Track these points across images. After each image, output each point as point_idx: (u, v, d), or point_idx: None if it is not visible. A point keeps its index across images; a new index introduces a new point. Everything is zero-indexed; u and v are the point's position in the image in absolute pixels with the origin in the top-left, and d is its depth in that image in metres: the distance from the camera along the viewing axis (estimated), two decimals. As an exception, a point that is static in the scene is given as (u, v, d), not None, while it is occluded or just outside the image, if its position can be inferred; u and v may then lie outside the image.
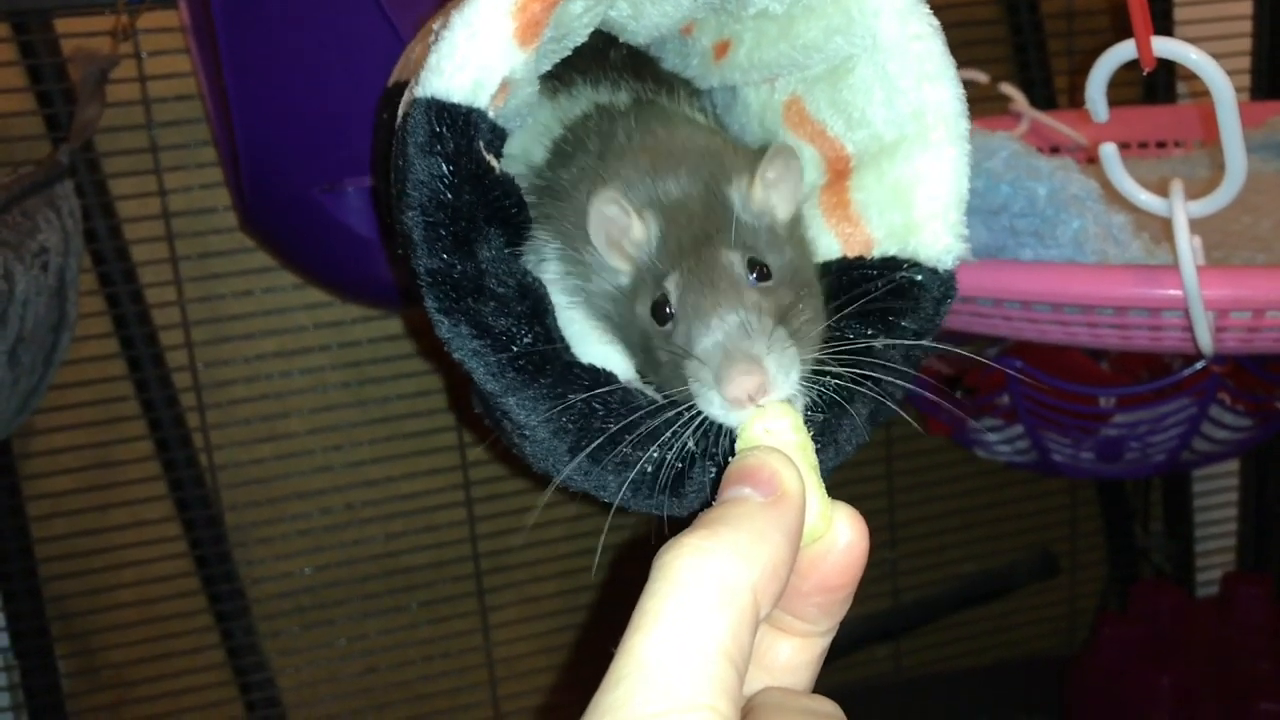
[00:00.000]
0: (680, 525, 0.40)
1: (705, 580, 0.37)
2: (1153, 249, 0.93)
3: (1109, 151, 0.85)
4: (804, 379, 0.53)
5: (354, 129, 0.99)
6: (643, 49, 0.73)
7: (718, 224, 0.59)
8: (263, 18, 1.03)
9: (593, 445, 0.58)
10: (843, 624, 0.46)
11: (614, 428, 0.59)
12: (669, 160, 0.62)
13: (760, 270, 0.58)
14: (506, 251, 0.59)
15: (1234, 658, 1.56)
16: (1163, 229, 0.87)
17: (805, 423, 0.50)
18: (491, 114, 0.57)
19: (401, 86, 0.73)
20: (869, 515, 0.46)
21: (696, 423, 0.55)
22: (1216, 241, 1.11)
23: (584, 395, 0.58)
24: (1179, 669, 1.56)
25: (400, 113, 0.58)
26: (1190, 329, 0.86)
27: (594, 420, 0.58)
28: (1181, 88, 1.66)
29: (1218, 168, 0.82)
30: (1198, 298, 0.82)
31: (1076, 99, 1.60)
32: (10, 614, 1.39)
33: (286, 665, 1.52)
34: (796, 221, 0.64)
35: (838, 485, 0.47)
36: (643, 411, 0.59)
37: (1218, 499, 1.85)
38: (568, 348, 0.61)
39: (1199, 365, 1.15)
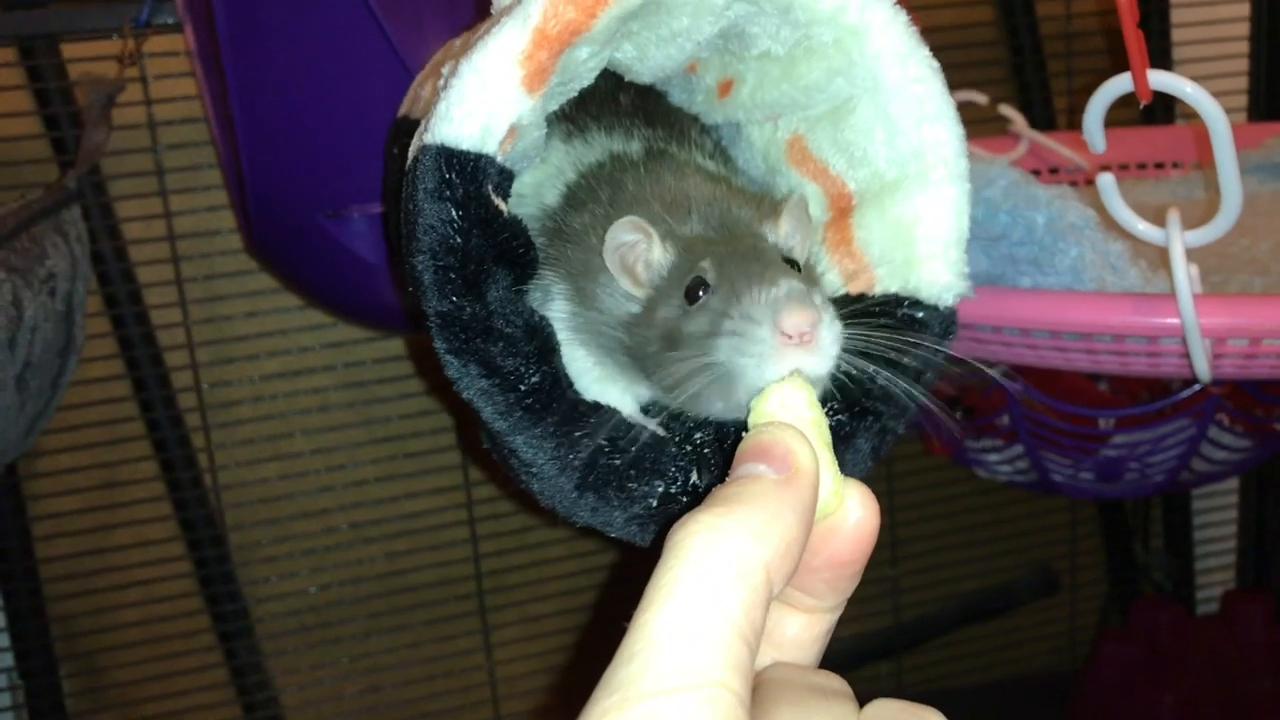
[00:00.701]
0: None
1: (719, 558, 0.36)
2: (1150, 276, 0.94)
3: (1106, 182, 0.86)
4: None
5: (359, 156, 1.00)
6: (650, 86, 0.74)
7: (745, 234, 0.60)
8: (269, 45, 1.04)
9: (598, 481, 0.59)
10: (845, 641, 0.46)
11: (619, 463, 0.59)
12: (679, 206, 0.63)
13: (794, 266, 0.59)
14: (514, 291, 0.60)
15: (1234, 675, 1.57)
16: (1160, 255, 0.88)
17: None
18: (500, 158, 0.58)
19: (410, 120, 0.74)
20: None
21: (700, 455, 0.56)
22: (1214, 265, 1.12)
23: (589, 432, 0.59)
24: (1179, 686, 1.56)
25: (410, 157, 0.59)
26: (1188, 355, 0.87)
27: (599, 457, 0.59)
28: (1180, 107, 1.68)
29: (1215, 190, 0.83)
30: (1194, 326, 0.83)
31: (1076, 120, 1.61)
32: (15, 633, 1.39)
33: (290, 684, 1.53)
34: (811, 266, 0.65)
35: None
36: (647, 447, 0.60)
37: (1218, 517, 1.86)
38: (573, 385, 0.62)
39: (1197, 387, 1.15)
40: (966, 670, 1.81)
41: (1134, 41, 0.80)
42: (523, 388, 0.58)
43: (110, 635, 1.44)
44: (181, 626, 1.46)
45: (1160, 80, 0.81)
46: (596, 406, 0.61)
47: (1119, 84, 0.82)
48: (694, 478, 0.59)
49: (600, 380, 0.64)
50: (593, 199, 0.61)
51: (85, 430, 1.38)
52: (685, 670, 0.34)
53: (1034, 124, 1.49)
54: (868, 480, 0.46)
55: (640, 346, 0.61)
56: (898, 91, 0.62)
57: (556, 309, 0.64)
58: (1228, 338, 0.86)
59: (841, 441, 0.61)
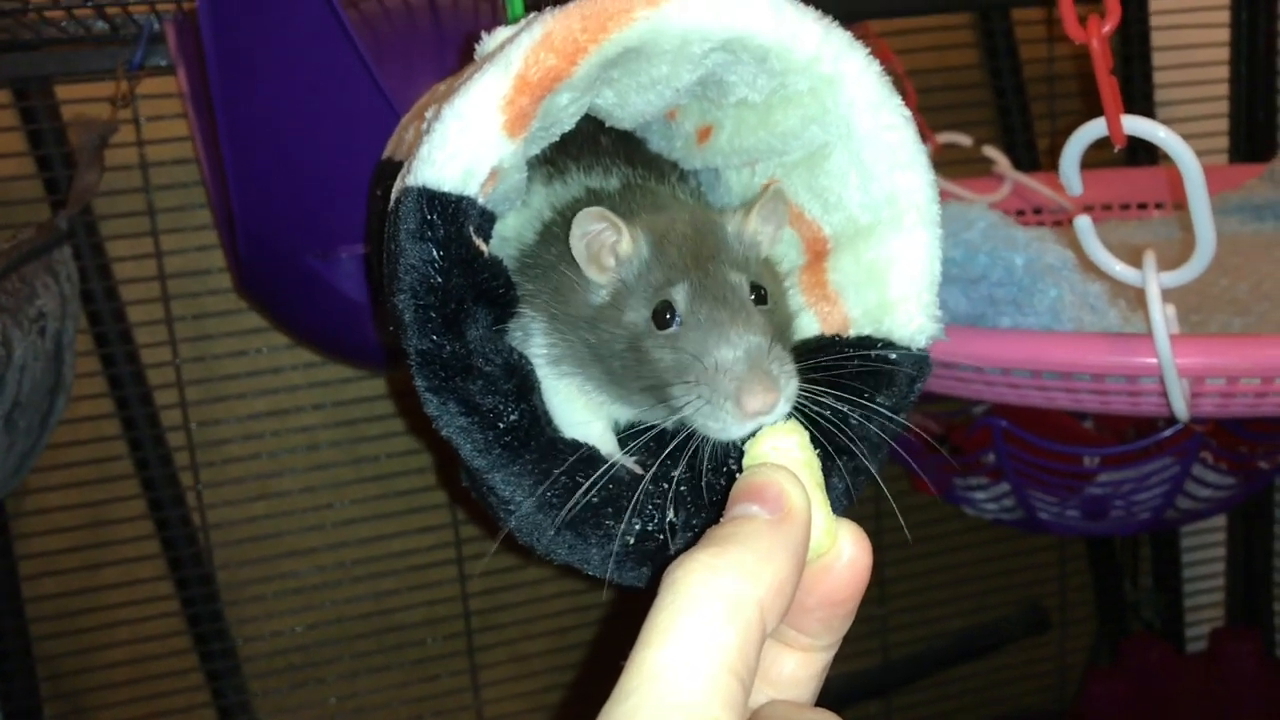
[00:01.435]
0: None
1: (713, 597, 0.38)
2: (1129, 315, 0.95)
3: (1083, 225, 0.87)
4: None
5: (348, 198, 1.01)
6: (630, 132, 0.75)
7: (714, 245, 0.62)
8: (260, 88, 1.05)
9: (575, 518, 0.60)
10: (834, 680, 0.47)
11: (596, 501, 0.60)
12: (652, 212, 0.66)
13: (759, 294, 0.61)
14: (494, 330, 0.61)
15: (1223, 712, 1.57)
16: (1138, 295, 0.89)
17: None
18: (481, 200, 0.59)
19: (394, 162, 0.75)
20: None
21: (676, 493, 0.57)
22: (1194, 304, 1.13)
23: (567, 470, 0.60)
24: (1169, 725, 1.56)
25: (393, 198, 0.60)
26: (1166, 394, 0.88)
27: (576, 494, 0.60)
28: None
29: (1192, 232, 0.84)
30: (1171, 366, 0.84)
31: (1059, 160, 1.63)
32: (1, 673, 1.38)
33: (277, 724, 1.52)
34: (772, 262, 0.67)
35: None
36: (624, 485, 0.61)
37: (1206, 554, 1.86)
38: (551, 423, 0.62)
39: (1179, 425, 1.16)
40: (956, 709, 1.80)
41: (1107, 87, 0.82)
42: (501, 425, 0.59)
43: (97, 675, 1.43)
44: (169, 666, 1.45)
45: (1134, 125, 0.83)
46: (575, 445, 0.62)
47: (1094, 129, 0.84)
48: (670, 515, 0.59)
49: (581, 411, 0.65)
50: (566, 231, 0.62)
51: (73, 469, 1.38)
52: (681, 708, 0.35)
53: (1018, 164, 1.51)
54: (856, 519, 0.47)
55: (607, 345, 0.62)
56: (871, 139, 0.63)
57: (536, 344, 0.65)
58: (1205, 377, 0.87)
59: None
